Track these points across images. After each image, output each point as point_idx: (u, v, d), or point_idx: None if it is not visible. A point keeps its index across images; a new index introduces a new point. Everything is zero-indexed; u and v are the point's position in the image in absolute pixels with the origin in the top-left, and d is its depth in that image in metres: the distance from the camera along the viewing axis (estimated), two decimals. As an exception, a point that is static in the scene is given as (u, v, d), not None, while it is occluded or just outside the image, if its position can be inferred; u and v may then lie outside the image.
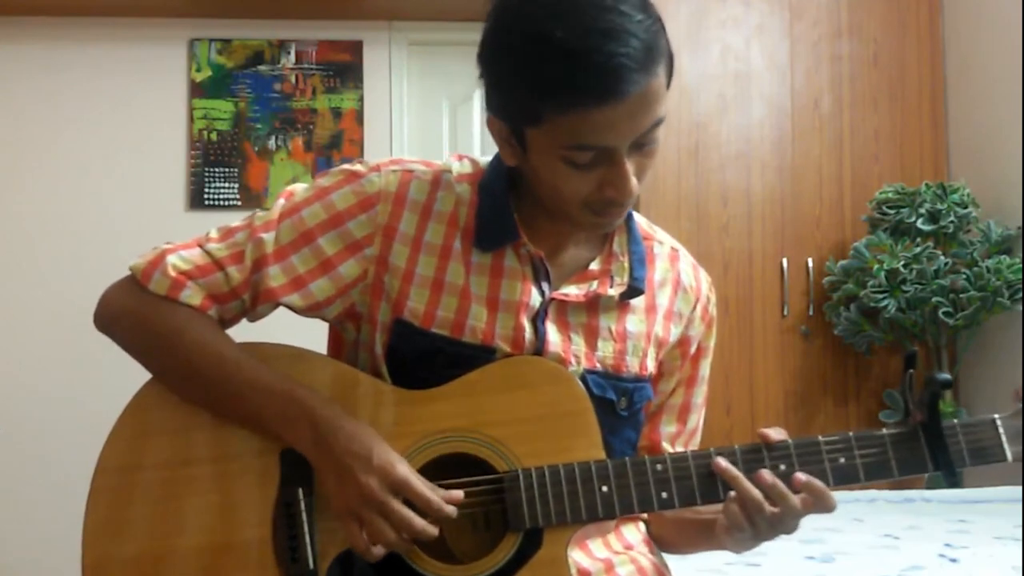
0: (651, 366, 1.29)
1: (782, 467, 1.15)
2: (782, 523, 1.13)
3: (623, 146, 1.10)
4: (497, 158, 1.28)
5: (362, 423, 1.14)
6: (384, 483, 1.09)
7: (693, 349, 1.35)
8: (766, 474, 1.13)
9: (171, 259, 1.20)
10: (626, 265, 1.27)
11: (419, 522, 1.10)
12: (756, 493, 1.12)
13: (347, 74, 3.97)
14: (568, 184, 1.14)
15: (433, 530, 1.11)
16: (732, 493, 1.13)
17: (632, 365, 1.26)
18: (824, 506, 1.13)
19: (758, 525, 1.13)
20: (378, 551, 1.11)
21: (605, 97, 1.06)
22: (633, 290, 1.26)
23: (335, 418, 1.13)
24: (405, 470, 1.11)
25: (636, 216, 1.32)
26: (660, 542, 1.37)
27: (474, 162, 1.30)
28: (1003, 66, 3.32)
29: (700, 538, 1.28)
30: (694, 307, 1.33)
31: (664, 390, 1.35)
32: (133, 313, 1.21)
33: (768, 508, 1.12)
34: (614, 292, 1.25)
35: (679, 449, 1.35)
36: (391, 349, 1.22)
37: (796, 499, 1.12)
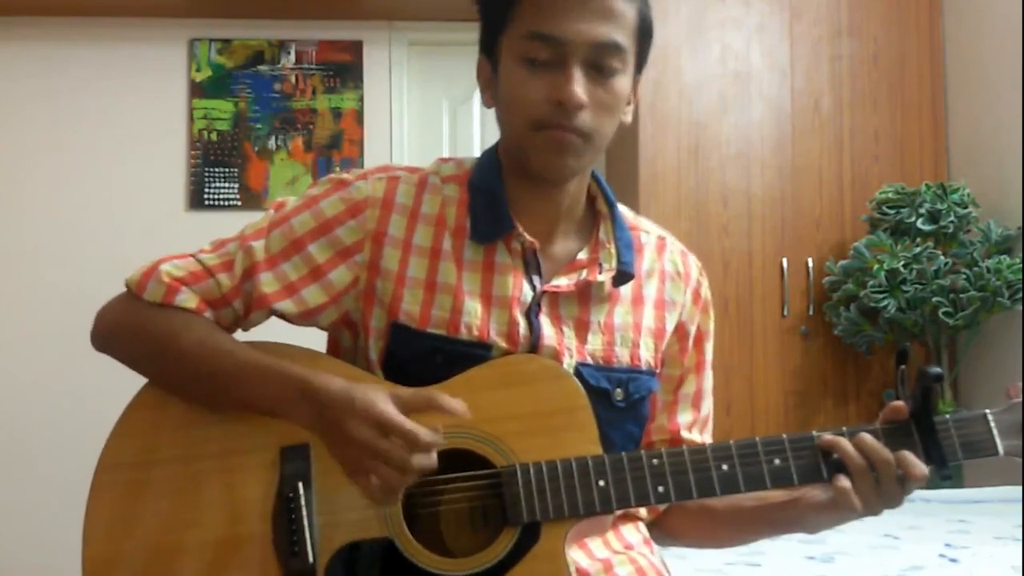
0: (646, 356, 1.29)
1: (777, 461, 1.16)
2: (888, 492, 1.14)
3: (575, 46, 1.16)
4: (485, 154, 1.30)
5: (352, 381, 1.12)
6: (369, 425, 1.08)
7: (692, 335, 1.35)
8: (866, 437, 1.14)
9: (165, 267, 1.22)
10: (613, 251, 1.28)
11: (415, 459, 1.07)
12: (862, 460, 1.13)
13: (347, 74, 3.97)
14: (521, 91, 1.19)
15: (429, 461, 1.08)
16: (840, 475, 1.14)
17: (622, 356, 1.27)
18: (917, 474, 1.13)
19: (867, 497, 1.14)
20: (391, 496, 1.09)
21: None
22: (623, 275, 1.27)
23: (326, 384, 1.12)
24: (385, 407, 1.08)
25: (621, 207, 1.33)
26: (699, 537, 1.38)
27: (459, 163, 1.31)
28: (1003, 66, 3.32)
29: (767, 522, 1.29)
30: (685, 292, 1.34)
31: (670, 375, 1.35)
32: (130, 323, 1.22)
33: (872, 474, 1.13)
34: (603, 278, 1.26)
35: (695, 435, 1.37)
36: (388, 353, 1.23)
37: (893, 459, 1.13)
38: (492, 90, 1.26)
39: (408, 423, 1.08)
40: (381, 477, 1.08)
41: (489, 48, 1.25)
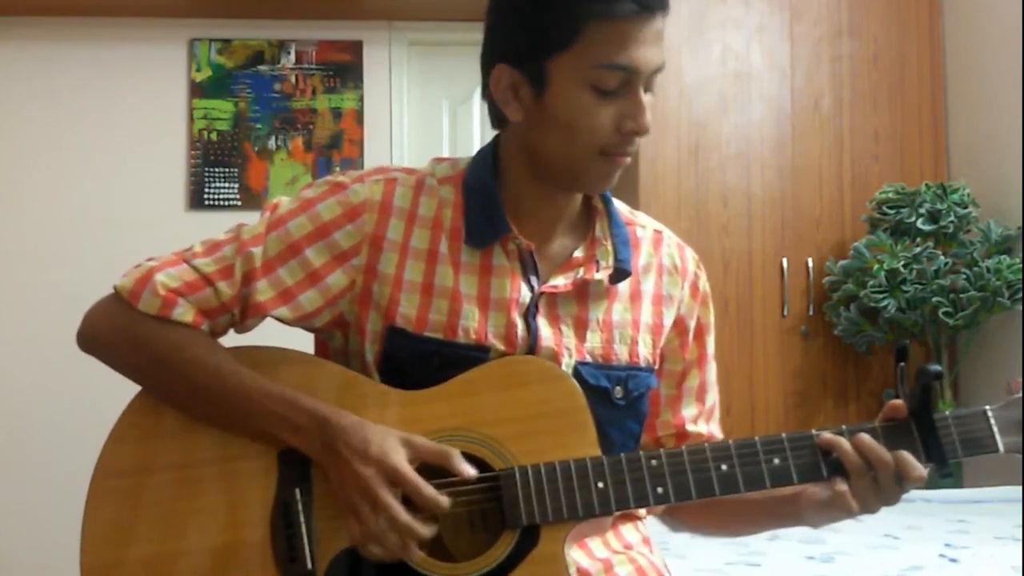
0: (645, 353, 1.29)
1: (776, 461, 1.15)
2: (887, 492, 1.14)
3: (645, 73, 1.16)
4: (480, 154, 1.29)
5: (365, 420, 1.14)
6: (378, 473, 1.10)
7: (692, 329, 1.35)
8: (865, 437, 1.14)
9: (159, 277, 1.19)
10: (610, 248, 1.27)
11: (405, 519, 1.09)
12: (860, 460, 1.13)
13: (347, 74, 3.97)
14: (589, 118, 1.17)
15: (423, 530, 1.10)
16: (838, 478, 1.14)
17: (621, 353, 1.27)
18: (914, 475, 1.13)
19: (864, 496, 1.14)
20: (375, 550, 1.10)
21: (642, 9, 1.14)
22: (620, 272, 1.27)
23: (339, 418, 1.13)
24: (398, 459, 1.11)
25: (616, 202, 1.33)
26: (705, 526, 1.38)
27: (454, 163, 1.30)
28: (1003, 66, 3.32)
29: (771, 516, 1.29)
30: (682, 286, 1.34)
31: (672, 371, 1.35)
32: (125, 333, 1.20)
33: (870, 474, 1.13)
34: (600, 276, 1.25)
35: (701, 427, 1.37)
36: (385, 356, 1.22)
37: (892, 460, 1.13)
38: (527, 106, 1.20)
39: (418, 481, 1.10)
40: (368, 527, 1.09)
41: (525, 63, 1.18)
